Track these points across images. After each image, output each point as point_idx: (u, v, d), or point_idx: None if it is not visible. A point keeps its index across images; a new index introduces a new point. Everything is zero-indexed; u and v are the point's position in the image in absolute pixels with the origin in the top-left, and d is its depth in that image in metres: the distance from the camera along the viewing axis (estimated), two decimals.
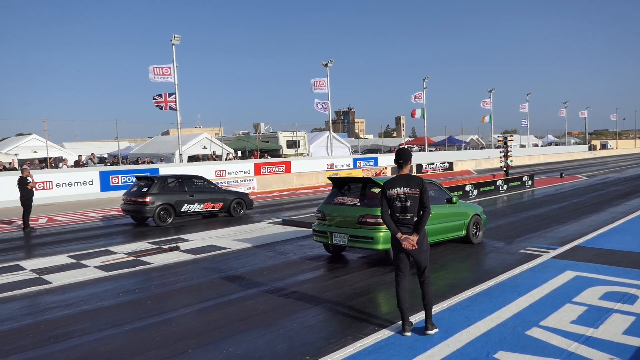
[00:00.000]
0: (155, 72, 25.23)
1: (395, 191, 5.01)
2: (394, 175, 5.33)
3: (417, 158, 38.46)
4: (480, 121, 51.54)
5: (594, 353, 4.51)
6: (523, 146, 59.18)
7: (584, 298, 6.07)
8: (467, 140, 57.89)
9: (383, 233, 7.67)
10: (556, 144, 70.68)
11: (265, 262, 8.76)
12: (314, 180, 27.21)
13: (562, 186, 21.79)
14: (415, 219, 4.96)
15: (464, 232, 9.61)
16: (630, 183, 22.40)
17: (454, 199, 9.35)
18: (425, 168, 34.72)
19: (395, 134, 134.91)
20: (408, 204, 4.95)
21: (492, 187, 19.67)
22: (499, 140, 26.78)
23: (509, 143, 22.90)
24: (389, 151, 46.04)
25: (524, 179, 21.55)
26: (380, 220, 7.69)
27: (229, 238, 11.28)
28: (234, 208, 15.05)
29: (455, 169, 37.03)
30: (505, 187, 20.16)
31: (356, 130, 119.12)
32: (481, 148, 54.25)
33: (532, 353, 4.55)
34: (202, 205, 14.26)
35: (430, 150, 46.49)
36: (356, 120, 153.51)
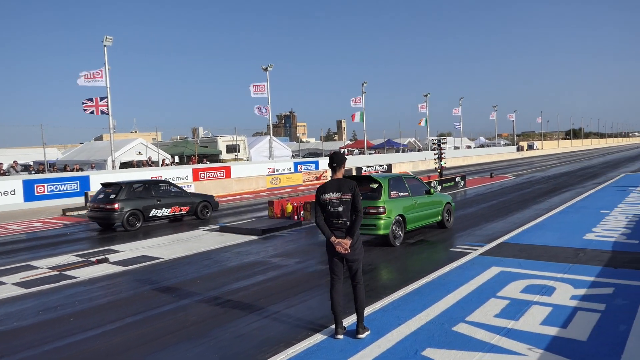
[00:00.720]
0: (85, 76, 24.07)
1: (328, 196, 5.04)
2: (326, 180, 5.36)
3: (357, 161, 39.11)
4: (417, 124, 53.21)
5: (514, 344, 4.74)
6: (457, 148, 61.67)
7: (507, 292, 6.37)
8: (405, 143, 59.64)
9: (384, 221, 9.38)
10: (487, 146, 74.20)
11: (200, 271, 8.54)
12: (254, 185, 26.95)
13: (492, 185, 22.88)
14: (349, 223, 5.00)
15: (439, 218, 11.31)
16: (553, 181, 23.90)
17: (431, 190, 11.16)
18: (365, 170, 35.31)
19: (336, 138, 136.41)
20: (340, 208, 4.99)
21: None
22: (433, 143, 27.78)
23: (442, 145, 23.76)
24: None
25: (456, 180, 22.43)
26: (380, 209, 9.56)
27: (162, 247, 10.91)
28: (201, 211, 15.32)
29: (394, 170, 37.91)
30: (439, 187, 20.87)
31: (298, 134, 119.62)
32: (418, 150, 55.95)
33: (457, 348, 4.71)
34: (169, 210, 14.57)
35: (370, 153, 47.39)
36: (298, 124, 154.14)
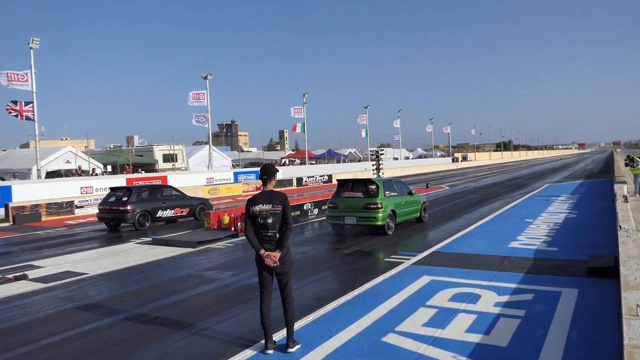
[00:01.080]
0: (9, 77, 22.57)
1: (257, 208, 4.98)
2: (257, 192, 5.30)
3: (298, 171, 39.15)
4: (358, 135, 54.13)
5: (439, 353, 4.87)
6: (396, 159, 63.37)
7: (436, 301, 6.56)
8: (346, 154, 60.51)
9: (381, 214, 11.73)
10: (424, 157, 76.75)
11: (128, 287, 8.17)
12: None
13: (427, 196, 23.52)
14: (278, 235, 4.96)
15: (418, 214, 13.95)
16: (484, 191, 25.05)
17: (413, 192, 13.80)
18: (306, 181, 35.46)
19: (278, 148, 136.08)
20: (270, 220, 4.94)
21: None
22: (371, 154, 28.35)
23: (380, 156, 24.31)
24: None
25: None
26: (379, 205, 11.80)
27: (88, 262, 10.35)
28: (199, 212, 16.88)
29: (334, 181, 38.32)
30: None
31: (239, 144, 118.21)
32: (359, 161, 56.92)
33: (385, 359, 4.77)
34: (172, 211, 16.25)
35: (311, 163, 47.65)
36: (240, 133, 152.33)
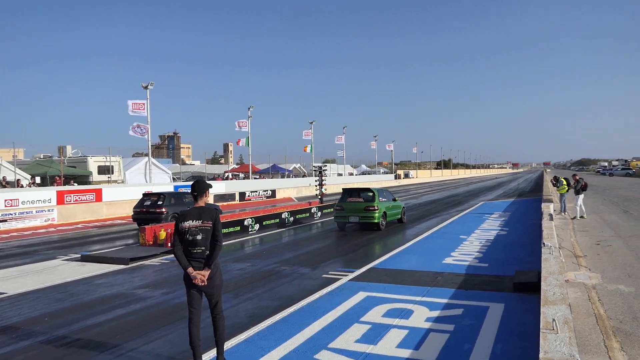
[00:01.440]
0: None
1: (187, 224, 4.87)
2: (189, 208, 5.19)
3: (241, 186, 38.70)
4: (302, 150, 54.35)
5: None
6: (340, 175, 64.10)
7: (370, 317, 6.65)
8: (291, 169, 60.55)
9: (377, 214, 15.56)
10: (368, 173, 78.15)
11: (50, 307, 7.70)
12: (128, 209, 25.25)
13: None
14: (207, 252, 4.86)
15: (400, 216, 17.89)
16: (424, 208, 25.82)
17: (396, 198, 17.90)
18: (249, 196, 35.12)
19: (223, 161, 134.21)
20: (199, 237, 4.84)
21: (308, 214, 20.72)
22: (314, 170, 28.50)
23: (324, 172, 24.50)
24: (213, 178, 45.46)
25: None
26: (375, 207, 15.62)
27: (8, 281, 9.68)
28: None
29: (278, 196, 38.21)
30: (319, 214, 21.42)
31: (182, 156, 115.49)
32: (303, 176, 57.12)
33: None
34: None
35: (255, 178, 47.25)
36: (182, 145, 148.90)
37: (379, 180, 64.88)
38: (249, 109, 42.36)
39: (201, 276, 4.75)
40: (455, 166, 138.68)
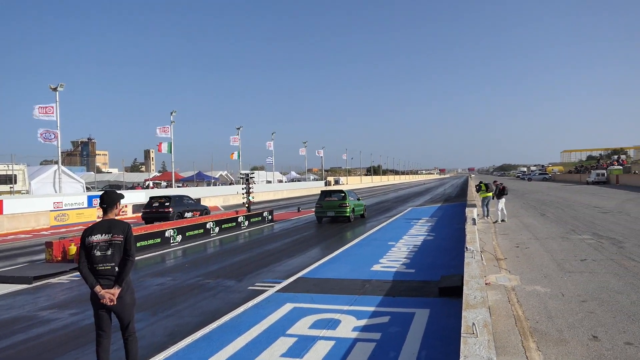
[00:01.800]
0: None
1: (94, 238, 4.59)
2: (97, 221, 4.89)
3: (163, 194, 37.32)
4: (229, 157, 53.54)
5: None
6: (269, 182, 63.85)
7: (297, 329, 6.60)
8: (217, 176, 59.47)
9: (348, 209, 20.80)
10: (298, 180, 78.54)
11: None
12: (33, 222, 23.58)
13: (298, 220, 24.08)
14: (117, 269, 4.59)
15: (363, 212, 23.31)
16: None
17: (360, 199, 23.49)
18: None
19: (143, 169, 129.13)
20: (109, 252, 4.57)
21: (234, 224, 20.38)
22: (241, 177, 28.33)
23: (251, 179, 24.22)
24: (132, 187, 43.61)
25: (264, 215, 23.03)
26: (347, 204, 20.99)
27: None
28: (203, 214, 23.36)
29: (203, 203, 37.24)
30: (246, 223, 21.14)
31: (97, 164, 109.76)
32: (230, 184, 56.30)
33: None
34: (191, 213, 23.15)
35: (178, 186, 45.85)
36: (98, 152, 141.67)
37: (309, 187, 65.31)
38: (171, 113, 41.17)
39: (110, 295, 4.48)
40: (385, 172, 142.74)
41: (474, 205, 21.97)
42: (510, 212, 21.50)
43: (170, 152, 40.92)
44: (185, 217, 22.31)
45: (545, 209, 24.92)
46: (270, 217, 23.41)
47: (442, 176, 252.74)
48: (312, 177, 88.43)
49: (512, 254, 11.89)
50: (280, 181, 70.94)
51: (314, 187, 67.04)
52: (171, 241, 15.93)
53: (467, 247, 9.39)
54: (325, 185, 76.36)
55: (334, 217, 21.27)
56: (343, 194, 21.58)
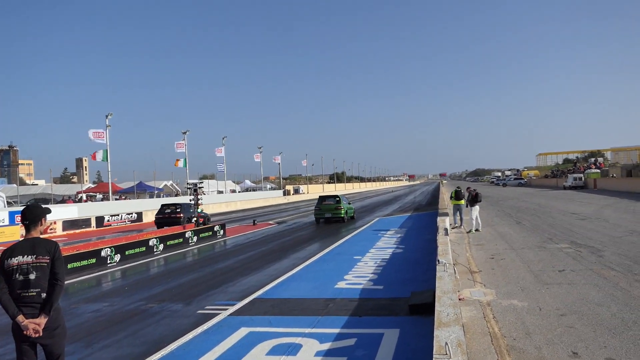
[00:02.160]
0: None
1: (15, 261, 4.40)
2: (19, 240, 4.70)
3: (98, 209, 36.42)
4: (174, 165, 52.67)
5: None
6: (221, 192, 63.22)
7: (253, 356, 6.54)
8: (161, 187, 58.38)
9: (342, 211, 27.18)
10: (253, 190, 78.13)
11: None
12: None
13: (254, 234, 23.94)
14: (44, 295, 4.40)
15: (352, 214, 29.31)
16: (315, 227, 26.30)
17: (350, 203, 30.84)
18: (109, 220, 33.12)
19: (75, 180, 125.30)
20: (32, 276, 4.39)
21: (181, 240, 20.05)
22: (187, 188, 28.19)
23: (199, 190, 23.94)
24: (62, 200, 42.29)
25: (215, 229, 22.78)
26: (341, 207, 27.45)
27: None
28: (206, 221, 25.54)
29: (146, 219, 36.53)
30: (195, 238, 20.83)
31: (20, 175, 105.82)
32: (176, 195, 55.37)
33: None
34: (196, 219, 24.63)
35: (116, 199, 44.76)
36: (21, 161, 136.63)
37: (266, 198, 65.05)
38: (107, 116, 40.21)
39: (35, 326, 4.29)
40: (350, 179, 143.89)
41: (447, 214, 22.44)
42: (485, 221, 22.05)
43: (106, 160, 39.92)
44: (192, 223, 26.62)
45: (521, 216, 25.70)
46: (222, 231, 23.18)
47: (412, 183, 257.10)
48: (269, 186, 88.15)
49: (487, 266, 12.19)
50: (234, 191, 70.36)
51: (270, 197, 66.84)
52: (108, 261, 15.50)
53: (439, 260, 9.57)
54: (284, 195, 76.29)
55: (330, 217, 27.53)
56: (338, 198, 28.12)
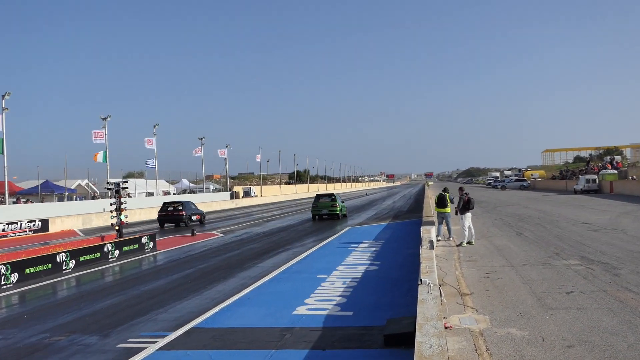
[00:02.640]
0: None
1: None
2: None
3: None
4: (92, 160, 51.75)
5: None
6: (151, 194, 62.45)
7: None
8: (73, 187, 57.22)
9: (338, 209, 38.23)
10: (192, 191, 77.58)
11: None
12: None
13: (193, 247, 23.76)
14: None
15: (345, 212, 40.59)
16: (269, 239, 26.32)
17: (343, 201, 42.79)
18: (4, 230, 32.28)
19: None
20: None
21: (99, 255, 19.70)
22: (108, 188, 27.11)
23: (123, 191, 23.54)
24: None
25: (143, 241, 22.47)
26: (336, 205, 38.60)
27: None
28: (202, 219, 38.81)
29: (53, 229, 35.87)
30: (117, 253, 20.51)
31: None
32: (93, 197, 54.47)
33: None
34: (195, 216, 37.79)
35: (13, 202, 43.69)
36: None
37: (208, 202, 64.51)
38: (2, 97, 39.16)
39: None
40: (314, 179, 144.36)
41: (433, 223, 22.74)
42: (479, 231, 22.43)
43: (2, 154, 38.91)
44: (192, 219, 36.77)
45: (522, 226, 26.24)
46: (151, 243, 22.91)
47: (391, 184, 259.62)
48: (212, 187, 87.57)
49: (480, 287, 12.40)
50: (167, 193, 69.55)
51: (214, 201, 66.44)
52: (2, 282, 15.11)
53: (421, 280, 9.69)
54: (232, 198, 75.97)
55: (327, 214, 37.76)
56: (333, 197, 38.89)
